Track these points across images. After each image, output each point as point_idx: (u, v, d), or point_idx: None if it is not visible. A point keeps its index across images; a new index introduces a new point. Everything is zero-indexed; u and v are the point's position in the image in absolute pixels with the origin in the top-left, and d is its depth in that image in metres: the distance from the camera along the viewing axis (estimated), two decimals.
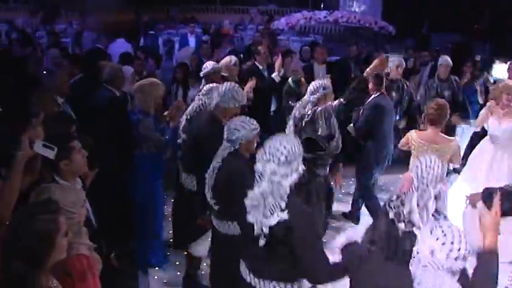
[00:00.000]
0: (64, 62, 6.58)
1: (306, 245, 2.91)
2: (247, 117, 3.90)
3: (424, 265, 2.33)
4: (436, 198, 2.87)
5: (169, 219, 6.16)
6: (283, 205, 2.91)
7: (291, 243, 2.91)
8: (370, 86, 6.14)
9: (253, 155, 3.33)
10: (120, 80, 5.77)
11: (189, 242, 4.92)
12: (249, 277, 3.17)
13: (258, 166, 2.98)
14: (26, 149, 2.96)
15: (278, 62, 7.03)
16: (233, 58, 6.80)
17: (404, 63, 7.86)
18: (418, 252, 2.38)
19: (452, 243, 2.30)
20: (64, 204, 2.76)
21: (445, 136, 5.18)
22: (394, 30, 12.45)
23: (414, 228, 2.67)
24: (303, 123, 5.25)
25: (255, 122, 3.86)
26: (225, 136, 3.82)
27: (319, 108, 5.18)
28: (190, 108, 5.16)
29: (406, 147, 5.32)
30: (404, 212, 2.73)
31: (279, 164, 2.89)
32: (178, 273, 5.31)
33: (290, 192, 2.95)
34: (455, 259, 2.30)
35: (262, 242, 2.96)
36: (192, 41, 11.26)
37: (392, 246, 2.66)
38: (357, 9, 13.00)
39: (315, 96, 5.25)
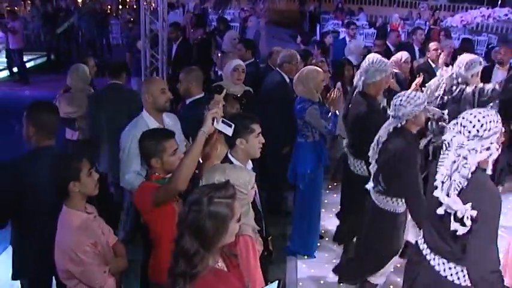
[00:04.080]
0: (238, 45, 6.78)
1: (480, 231, 2.67)
2: (414, 92, 3.84)
3: None
4: None
5: (322, 210, 6.15)
6: (465, 184, 2.69)
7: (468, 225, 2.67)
8: None
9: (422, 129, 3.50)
10: (293, 66, 5.79)
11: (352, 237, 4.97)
12: (424, 251, 3.09)
13: (447, 136, 2.81)
14: (209, 125, 3.08)
15: (442, 58, 6.63)
16: (404, 54, 6.49)
17: None
18: None
19: None
20: (236, 185, 2.81)
21: None
22: None
23: None
24: None
25: (421, 96, 3.79)
26: (391, 112, 3.83)
27: None
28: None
29: None
30: None
31: (469, 137, 2.70)
32: (326, 265, 5.24)
33: (477, 171, 2.71)
34: None
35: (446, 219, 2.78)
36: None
37: None
38: None
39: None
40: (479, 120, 2.69)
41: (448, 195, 2.72)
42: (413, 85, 5.92)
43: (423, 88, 5.91)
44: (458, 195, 2.70)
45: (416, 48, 9.14)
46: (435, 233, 2.99)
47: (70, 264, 2.91)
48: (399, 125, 3.80)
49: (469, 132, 2.69)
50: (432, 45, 7.24)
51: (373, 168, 4.02)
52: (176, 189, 3.08)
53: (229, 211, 2.31)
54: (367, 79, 4.53)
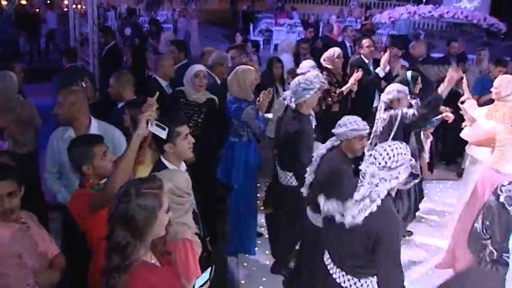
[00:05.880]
0: (171, 47, 6.72)
1: (386, 253, 2.99)
2: (358, 118, 3.92)
3: None
4: None
5: (261, 208, 6.20)
6: (374, 208, 2.97)
7: (372, 245, 3.01)
8: None
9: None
10: (223, 67, 5.83)
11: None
12: (329, 266, 3.34)
13: (363, 166, 3.08)
14: (143, 128, 3.08)
15: (384, 57, 6.79)
16: (336, 50, 6.63)
17: None
18: None
19: None
20: (182, 188, 2.88)
21: None
22: (505, 28, 11.73)
23: None
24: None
25: (362, 125, 3.90)
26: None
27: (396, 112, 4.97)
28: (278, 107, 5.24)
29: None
30: None
31: (379, 167, 2.96)
32: (267, 262, 5.32)
33: (385, 198, 2.99)
34: None
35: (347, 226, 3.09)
36: None
37: (503, 228, 2.79)
38: (468, 5, 12.39)
39: (389, 97, 5.05)
40: (388, 154, 2.97)
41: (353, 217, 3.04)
42: (352, 80, 6.18)
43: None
44: (368, 217, 2.99)
45: (348, 45, 9.41)
46: (341, 249, 3.25)
47: None
48: (335, 143, 3.94)
49: (379, 163, 2.97)
50: (365, 41, 7.40)
51: (308, 179, 4.09)
52: (112, 194, 3.00)
53: (157, 201, 2.36)
54: (297, 99, 4.58)
